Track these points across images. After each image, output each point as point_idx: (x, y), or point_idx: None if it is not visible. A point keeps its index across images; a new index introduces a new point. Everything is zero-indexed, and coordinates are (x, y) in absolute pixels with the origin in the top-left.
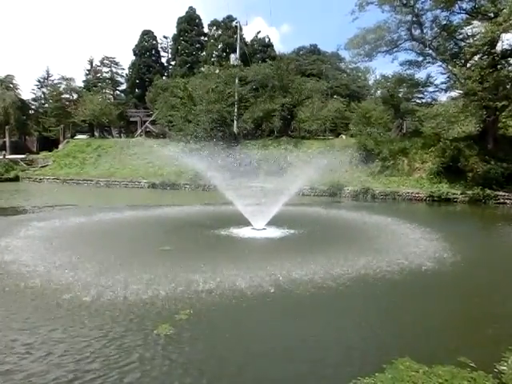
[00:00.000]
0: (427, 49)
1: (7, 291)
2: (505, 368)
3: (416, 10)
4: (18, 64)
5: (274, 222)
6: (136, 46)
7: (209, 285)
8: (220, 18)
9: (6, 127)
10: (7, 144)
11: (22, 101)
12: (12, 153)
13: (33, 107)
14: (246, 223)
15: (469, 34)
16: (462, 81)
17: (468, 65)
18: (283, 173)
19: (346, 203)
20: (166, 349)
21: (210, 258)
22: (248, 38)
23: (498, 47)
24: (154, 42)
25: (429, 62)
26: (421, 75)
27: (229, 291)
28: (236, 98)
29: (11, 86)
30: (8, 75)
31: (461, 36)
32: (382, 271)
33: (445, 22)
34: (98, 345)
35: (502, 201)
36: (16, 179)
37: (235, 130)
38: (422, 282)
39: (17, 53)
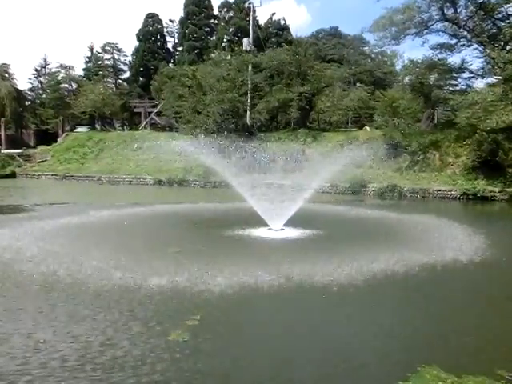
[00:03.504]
0: (461, 30)
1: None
2: None
3: None
4: (13, 52)
5: (293, 222)
6: (140, 30)
7: (225, 287)
8: None
9: (2, 119)
10: (3, 138)
11: (19, 91)
12: (8, 147)
13: (29, 98)
14: (263, 223)
15: (509, 12)
16: (501, 65)
17: (508, 47)
18: (301, 168)
19: (371, 202)
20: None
21: (223, 260)
22: (262, 20)
23: None
24: (160, 26)
25: (463, 45)
26: (454, 60)
27: (247, 294)
28: (249, 86)
29: (7, 75)
30: (3, 64)
31: (500, 15)
32: (415, 271)
33: (481, 0)
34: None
35: None
36: (12, 175)
37: (248, 121)
38: (460, 285)
39: (12, 40)
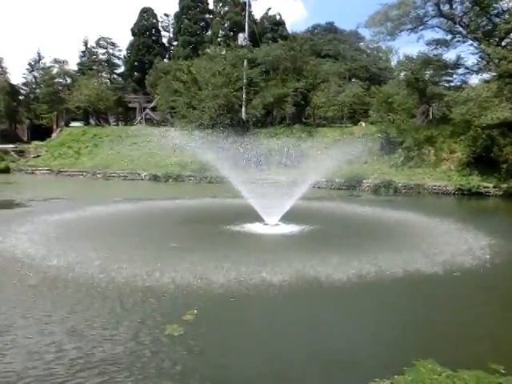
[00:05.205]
0: (457, 26)
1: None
2: None
3: None
4: (7, 46)
5: (288, 217)
6: (135, 24)
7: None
8: None
9: None
10: None
11: (12, 85)
12: (1, 142)
13: (23, 93)
14: (258, 218)
15: (504, 8)
16: (496, 61)
17: (503, 43)
18: (296, 164)
19: (366, 197)
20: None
21: (219, 255)
22: (257, 15)
23: None
24: (155, 21)
25: (458, 41)
26: (449, 55)
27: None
28: (244, 81)
29: (0, 69)
30: None
31: (495, 11)
32: (408, 269)
33: None
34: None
35: None
36: (6, 171)
37: (244, 116)
38: (456, 283)
39: (6, 34)
